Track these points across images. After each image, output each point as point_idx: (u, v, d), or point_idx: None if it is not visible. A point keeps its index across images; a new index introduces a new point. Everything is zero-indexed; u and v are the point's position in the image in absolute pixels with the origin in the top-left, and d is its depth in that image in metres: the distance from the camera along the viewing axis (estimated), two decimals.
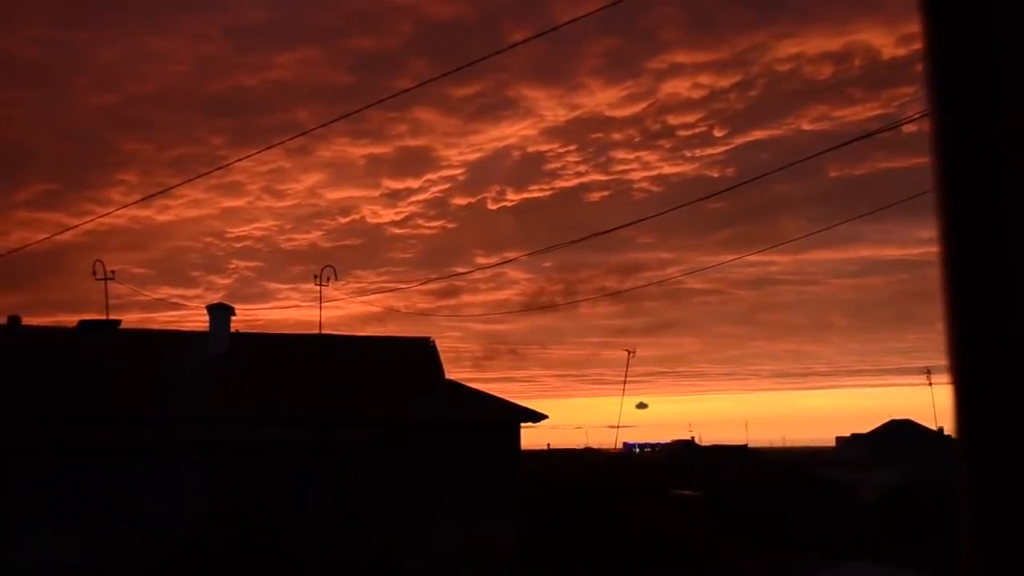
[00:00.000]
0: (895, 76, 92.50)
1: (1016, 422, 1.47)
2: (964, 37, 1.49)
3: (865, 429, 70.84)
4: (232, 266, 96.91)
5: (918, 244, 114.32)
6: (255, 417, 24.29)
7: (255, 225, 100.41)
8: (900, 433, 63.70)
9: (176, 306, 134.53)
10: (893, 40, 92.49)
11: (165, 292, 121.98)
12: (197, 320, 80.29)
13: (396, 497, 23.92)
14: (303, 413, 24.80)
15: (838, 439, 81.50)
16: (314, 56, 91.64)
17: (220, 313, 28.68)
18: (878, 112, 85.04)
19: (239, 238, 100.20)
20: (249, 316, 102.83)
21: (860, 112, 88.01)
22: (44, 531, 21.45)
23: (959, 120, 1.51)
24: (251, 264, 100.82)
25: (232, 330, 28.90)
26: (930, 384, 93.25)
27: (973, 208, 1.45)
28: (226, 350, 27.93)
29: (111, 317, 30.36)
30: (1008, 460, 1.49)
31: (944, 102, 1.53)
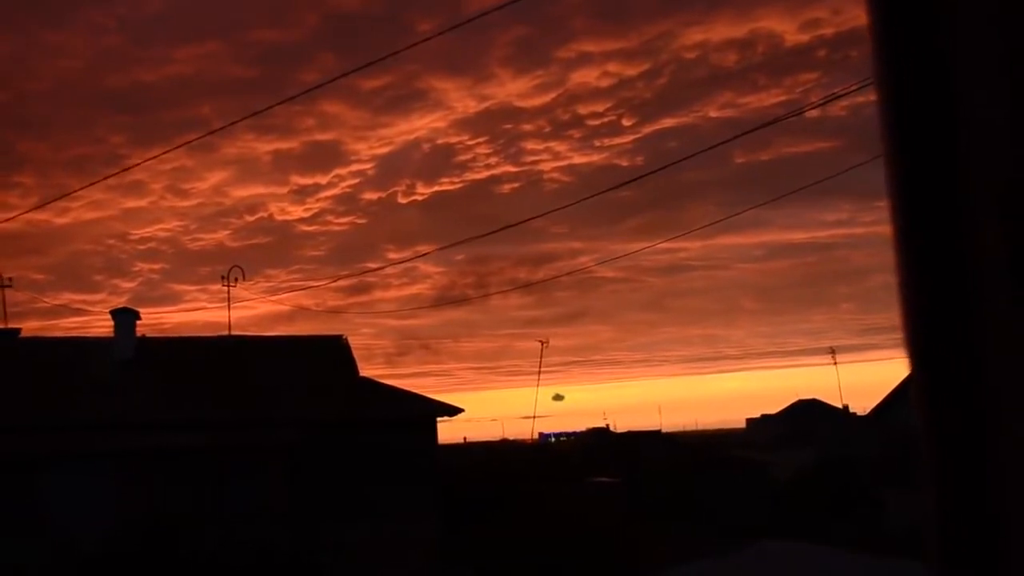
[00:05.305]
0: (798, 62, 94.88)
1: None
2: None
3: (774, 410, 72.42)
4: (136, 269, 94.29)
5: (823, 227, 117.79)
6: (164, 423, 23.76)
7: (159, 226, 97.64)
8: (807, 412, 65.22)
9: (79, 312, 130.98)
10: (795, 27, 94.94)
11: (67, 298, 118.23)
12: (102, 326, 78.24)
13: (314, 498, 23.66)
14: (214, 417, 24.33)
15: (748, 420, 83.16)
16: (216, 49, 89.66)
17: (125, 317, 28.00)
18: (782, 98, 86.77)
19: (143, 240, 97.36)
20: (155, 320, 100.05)
21: (765, 98, 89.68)
22: None
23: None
24: (156, 266, 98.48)
25: (138, 334, 28.24)
26: (835, 364, 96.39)
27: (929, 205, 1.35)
28: (132, 355, 27.27)
29: (10, 326, 29.46)
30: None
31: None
